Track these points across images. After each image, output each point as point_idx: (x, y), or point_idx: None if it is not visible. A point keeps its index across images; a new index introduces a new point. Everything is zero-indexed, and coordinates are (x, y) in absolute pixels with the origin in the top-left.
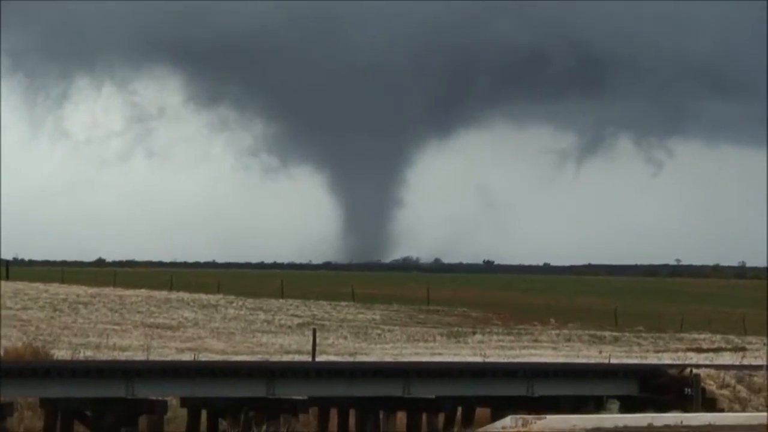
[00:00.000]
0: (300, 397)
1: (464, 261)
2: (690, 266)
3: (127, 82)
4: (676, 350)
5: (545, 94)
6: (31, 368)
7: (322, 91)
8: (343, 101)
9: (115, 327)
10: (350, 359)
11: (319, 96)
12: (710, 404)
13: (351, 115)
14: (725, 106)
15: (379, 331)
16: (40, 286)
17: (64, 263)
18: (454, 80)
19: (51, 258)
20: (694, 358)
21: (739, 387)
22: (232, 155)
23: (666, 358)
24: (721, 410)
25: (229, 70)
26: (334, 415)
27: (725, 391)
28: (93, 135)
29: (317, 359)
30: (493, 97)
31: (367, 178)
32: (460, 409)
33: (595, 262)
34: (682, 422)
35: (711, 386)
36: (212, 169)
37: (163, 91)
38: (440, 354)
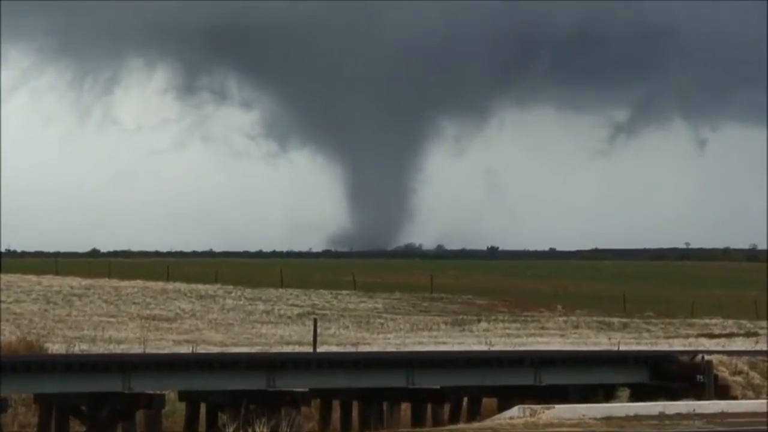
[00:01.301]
0: (301, 389)
1: (468, 247)
2: (700, 249)
3: None
4: (687, 336)
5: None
6: (25, 363)
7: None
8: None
9: (111, 319)
10: (352, 349)
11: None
12: (723, 391)
13: (363, 100)
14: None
15: (381, 320)
16: (33, 278)
17: (57, 254)
18: (473, 63)
19: (44, 249)
20: (705, 343)
21: (752, 373)
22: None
23: (677, 345)
24: (735, 397)
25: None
26: (336, 407)
27: (738, 378)
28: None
29: (318, 350)
30: (507, 81)
31: (377, 164)
32: (465, 400)
33: (601, 246)
34: (694, 410)
35: (723, 373)
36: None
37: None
38: (444, 343)
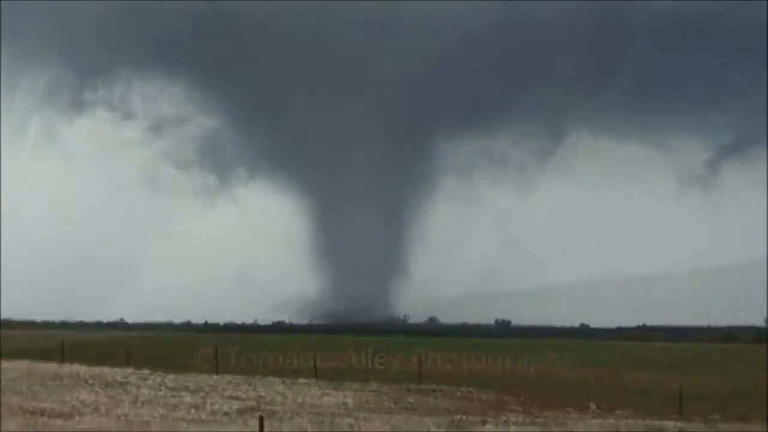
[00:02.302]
0: None
1: (470, 321)
2: None
3: None
4: None
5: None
6: None
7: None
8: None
9: None
10: None
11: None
12: None
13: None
14: None
15: (351, 420)
16: None
17: None
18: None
19: None
20: None
21: None
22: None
23: None
24: None
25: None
26: None
27: None
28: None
29: None
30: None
31: (360, 205)
32: None
33: (651, 323)
34: None
35: None
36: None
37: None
38: None
